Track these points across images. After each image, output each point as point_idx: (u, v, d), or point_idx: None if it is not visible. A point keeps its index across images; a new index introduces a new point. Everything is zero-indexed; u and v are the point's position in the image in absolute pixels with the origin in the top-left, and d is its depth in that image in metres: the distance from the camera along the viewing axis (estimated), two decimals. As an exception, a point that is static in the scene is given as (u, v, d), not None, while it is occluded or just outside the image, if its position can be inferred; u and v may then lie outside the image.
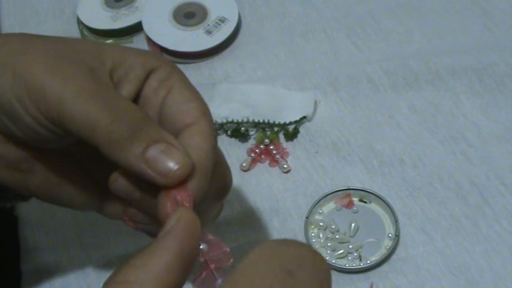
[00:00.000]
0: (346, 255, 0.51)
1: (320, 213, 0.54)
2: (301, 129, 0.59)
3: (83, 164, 0.44)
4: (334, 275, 0.51)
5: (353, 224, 0.53)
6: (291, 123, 0.59)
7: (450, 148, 0.57)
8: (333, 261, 0.51)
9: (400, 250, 0.52)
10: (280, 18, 0.67)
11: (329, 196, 0.54)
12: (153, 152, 0.36)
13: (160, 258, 0.31)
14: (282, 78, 0.63)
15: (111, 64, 0.39)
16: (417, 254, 0.52)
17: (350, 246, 0.52)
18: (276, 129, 0.59)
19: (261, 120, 0.59)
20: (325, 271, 0.31)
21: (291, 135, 0.59)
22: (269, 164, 0.58)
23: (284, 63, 0.64)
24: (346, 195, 0.54)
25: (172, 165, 0.35)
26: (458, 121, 0.59)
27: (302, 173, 0.57)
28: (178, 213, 0.33)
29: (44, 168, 0.42)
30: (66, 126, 0.36)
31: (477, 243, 0.52)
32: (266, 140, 0.59)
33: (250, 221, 0.55)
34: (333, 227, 0.53)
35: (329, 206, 0.54)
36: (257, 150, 0.59)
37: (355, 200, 0.54)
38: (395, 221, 0.52)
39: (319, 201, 0.54)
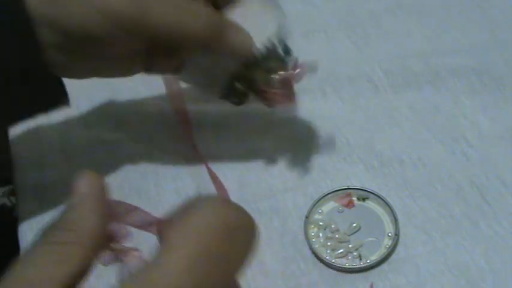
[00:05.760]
0: (346, 255, 0.51)
1: (320, 212, 0.54)
2: (301, 128, 0.59)
3: None
4: (334, 275, 0.51)
5: (353, 224, 0.53)
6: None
7: (450, 148, 0.57)
8: (333, 261, 0.51)
9: (400, 250, 0.52)
10: (280, 18, 0.67)
11: (329, 196, 0.54)
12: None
13: None
14: (282, 78, 0.62)
15: None
16: (417, 254, 0.52)
17: (350, 246, 0.52)
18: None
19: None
20: (255, 233, 0.34)
21: (291, 135, 0.59)
22: (269, 164, 0.58)
23: (284, 63, 0.64)
24: (346, 195, 0.54)
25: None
26: (458, 121, 0.59)
27: (302, 173, 0.57)
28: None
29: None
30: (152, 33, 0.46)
31: (477, 243, 0.52)
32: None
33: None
34: (333, 226, 0.53)
35: (329, 206, 0.54)
36: (257, 150, 0.59)
37: (355, 199, 0.54)
38: (395, 220, 0.52)
39: (318, 201, 0.54)
